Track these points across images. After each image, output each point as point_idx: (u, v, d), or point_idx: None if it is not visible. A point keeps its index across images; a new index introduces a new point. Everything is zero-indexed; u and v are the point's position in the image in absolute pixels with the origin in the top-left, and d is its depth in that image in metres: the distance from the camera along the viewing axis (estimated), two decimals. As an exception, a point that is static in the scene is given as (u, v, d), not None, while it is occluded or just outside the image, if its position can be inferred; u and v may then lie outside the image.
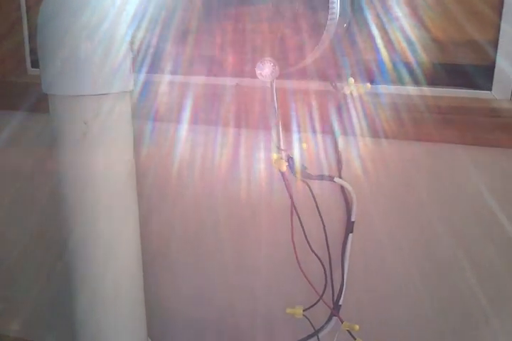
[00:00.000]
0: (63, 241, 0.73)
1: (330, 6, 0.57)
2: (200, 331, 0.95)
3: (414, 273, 0.80)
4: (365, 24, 0.73)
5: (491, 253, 0.76)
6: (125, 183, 0.74)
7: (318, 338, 0.82)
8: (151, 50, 0.76)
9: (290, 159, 0.70)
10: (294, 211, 0.76)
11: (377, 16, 0.74)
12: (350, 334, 0.78)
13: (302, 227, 0.78)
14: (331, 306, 0.81)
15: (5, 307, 1.08)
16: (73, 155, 0.70)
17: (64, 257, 0.75)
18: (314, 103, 0.75)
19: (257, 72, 0.56)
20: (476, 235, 0.76)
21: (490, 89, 0.75)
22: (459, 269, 0.77)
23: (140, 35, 0.71)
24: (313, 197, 0.77)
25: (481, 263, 0.76)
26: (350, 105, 0.73)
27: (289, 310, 0.81)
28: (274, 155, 0.68)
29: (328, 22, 0.54)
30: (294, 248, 0.78)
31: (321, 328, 0.82)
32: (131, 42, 0.68)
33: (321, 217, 0.79)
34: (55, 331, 1.03)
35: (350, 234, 0.81)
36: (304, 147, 0.66)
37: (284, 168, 0.68)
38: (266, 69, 0.56)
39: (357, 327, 0.76)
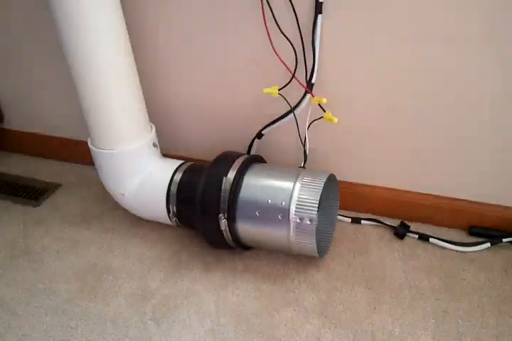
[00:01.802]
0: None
1: None
2: (200, 115, 1.08)
3: (385, 54, 0.84)
4: None
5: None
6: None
7: (294, 114, 0.92)
8: None
9: None
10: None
11: None
12: (321, 107, 0.87)
13: (272, 11, 0.81)
14: (304, 84, 0.88)
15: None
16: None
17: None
18: None
19: None
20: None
21: None
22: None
23: None
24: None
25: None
26: None
27: (266, 91, 0.89)
28: None
29: None
30: (267, 31, 0.82)
31: (297, 105, 0.91)
32: None
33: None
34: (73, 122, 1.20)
35: (320, 15, 0.82)
36: None
37: None
38: None
39: (324, 100, 0.85)
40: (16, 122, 1.29)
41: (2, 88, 1.24)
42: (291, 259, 0.92)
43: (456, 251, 0.92)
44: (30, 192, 1.18)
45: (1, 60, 1.18)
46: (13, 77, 1.20)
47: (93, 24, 0.80)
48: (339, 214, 1.01)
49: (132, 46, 0.89)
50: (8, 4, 1.05)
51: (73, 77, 0.86)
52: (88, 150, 0.97)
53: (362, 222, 1.01)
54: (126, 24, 0.86)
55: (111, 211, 1.09)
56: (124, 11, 0.85)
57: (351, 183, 1.02)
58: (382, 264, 0.90)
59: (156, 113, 1.02)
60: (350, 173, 1.00)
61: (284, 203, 0.83)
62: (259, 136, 1.01)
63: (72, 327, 0.82)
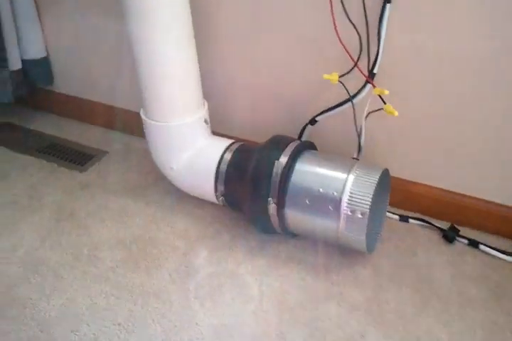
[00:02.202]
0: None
1: None
2: (252, 96, 1.06)
3: (452, 50, 0.81)
4: None
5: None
6: None
7: (352, 103, 0.89)
8: None
9: None
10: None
11: None
12: (381, 99, 0.84)
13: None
14: (366, 74, 0.85)
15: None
16: None
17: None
18: None
19: None
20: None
21: None
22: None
23: None
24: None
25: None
26: None
27: (326, 76, 0.86)
28: None
29: None
30: (333, 16, 0.79)
31: (356, 94, 0.88)
32: None
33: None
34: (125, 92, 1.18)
35: (388, 4, 0.79)
36: None
37: None
38: None
39: (386, 92, 0.81)
40: (68, 86, 1.29)
41: (55, 51, 1.24)
42: (337, 252, 0.91)
43: (506, 261, 0.90)
44: (76, 157, 1.19)
45: (56, 22, 1.17)
46: (68, 40, 1.19)
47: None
48: (387, 211, 0.99)
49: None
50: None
51: (133, 47, 0.85)
52: (137, 120, 0.96)
53: (410, 220, 0.99)
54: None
55: (155, 184, 1.09)
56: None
57: (403, 180, 0.99)
58: (430, 267, 0.89)
59: (208, 89, 1.00)
60: (402, 169, 0.98)
61: (335, 193, 0.82)
62: (313, 122, 0.99)
63: (115, 297, 0.83)
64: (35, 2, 1.16)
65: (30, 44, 1.20)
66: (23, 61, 1.20)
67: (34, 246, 0.93)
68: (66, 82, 1.29)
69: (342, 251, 0.91)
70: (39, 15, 1.18)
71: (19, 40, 1.17)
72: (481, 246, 0.92)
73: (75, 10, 1.12)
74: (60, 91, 1.30)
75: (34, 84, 1.26)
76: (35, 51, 1.22)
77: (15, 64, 1.18)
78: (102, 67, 1.19)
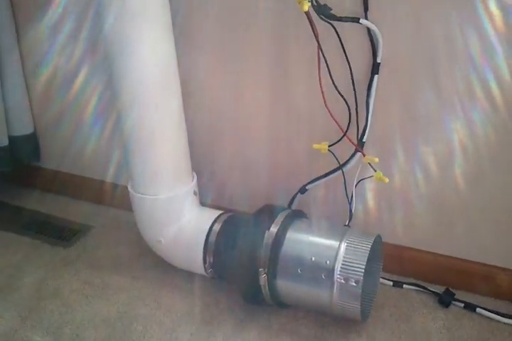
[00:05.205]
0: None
1: None
2: (239, 166, 1.07)
3: (434, 116, 0.85)
4: None
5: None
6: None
7: (342, 172, 0.91)
8: None
9: (314, -1, 0.71)
10: (320, 52, 0.79)
11: None
12: (371, 166, 0.86)
13: (328, 69, 0.82)
14: (355, 142, 0.88)
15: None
16: None
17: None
18: None
19: None
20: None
21: None
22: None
23: None
24: (339, 38, 0.79)
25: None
26: None
27: (315, 146, 0.89)
28: (297, -4, 0.69)
29: None
30: (321, 88, 0.83)
31: (346, 162, 0.91)
32: None
33: (347, 58, 0.82)
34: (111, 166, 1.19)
35: (376, 76, 0.84)
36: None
37: (307, 7, 0.69)
38: None
39: (376, 159, 0.84)
40: (53, 162, 1.30)
41: (42, 127, 1.26)
42: (330, 322, 0.88)
43: (505, 323, 0.87)
44: (61, 233, 1.16)
45: (43, 97, 1.20)
46: (54, 116, 1.22)
47: (144, 63, 0.82)
48: (381, 277, 0.97)
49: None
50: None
51: (121, 120, 0.87)
52: (125, 194, 0.96)
53: (404, 286, 0.97)
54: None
55: (142, 257, 1.06)
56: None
57: (395, 245, 0.98)
58: (426, 333, 0.85)
59: (197, 160, 1.02)
60: (394, 235, 0.97)
61: (328, 262, 0.81)
62: (303, 190, 1.00)
63: (98, 380, 0.78)
64: (25, 79, 1.18)
65: (18, 120, 1.20)
66: (10, 137, 1.20)
67: (13, 327, 0.88)
68: (52, 158, 1.29)
69: (336, 320, 0.88)
70: (28, 90, 1.20)
71: (7, 116, 1.17)
72: (478, 309, 0.90)
73: (63, 84, 1.15)
74: (45, 166, 1.31)
75: (20, 160, 1.26)
76: (23, 127, 1.22)
77: (1, 140, 1.18)
78: (88, 141, 1.21)
